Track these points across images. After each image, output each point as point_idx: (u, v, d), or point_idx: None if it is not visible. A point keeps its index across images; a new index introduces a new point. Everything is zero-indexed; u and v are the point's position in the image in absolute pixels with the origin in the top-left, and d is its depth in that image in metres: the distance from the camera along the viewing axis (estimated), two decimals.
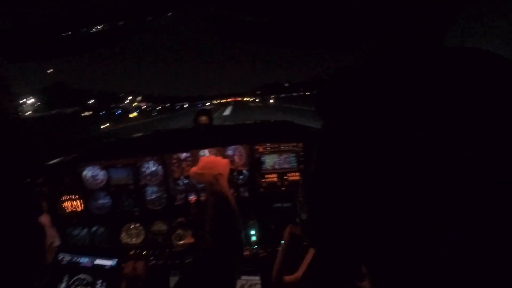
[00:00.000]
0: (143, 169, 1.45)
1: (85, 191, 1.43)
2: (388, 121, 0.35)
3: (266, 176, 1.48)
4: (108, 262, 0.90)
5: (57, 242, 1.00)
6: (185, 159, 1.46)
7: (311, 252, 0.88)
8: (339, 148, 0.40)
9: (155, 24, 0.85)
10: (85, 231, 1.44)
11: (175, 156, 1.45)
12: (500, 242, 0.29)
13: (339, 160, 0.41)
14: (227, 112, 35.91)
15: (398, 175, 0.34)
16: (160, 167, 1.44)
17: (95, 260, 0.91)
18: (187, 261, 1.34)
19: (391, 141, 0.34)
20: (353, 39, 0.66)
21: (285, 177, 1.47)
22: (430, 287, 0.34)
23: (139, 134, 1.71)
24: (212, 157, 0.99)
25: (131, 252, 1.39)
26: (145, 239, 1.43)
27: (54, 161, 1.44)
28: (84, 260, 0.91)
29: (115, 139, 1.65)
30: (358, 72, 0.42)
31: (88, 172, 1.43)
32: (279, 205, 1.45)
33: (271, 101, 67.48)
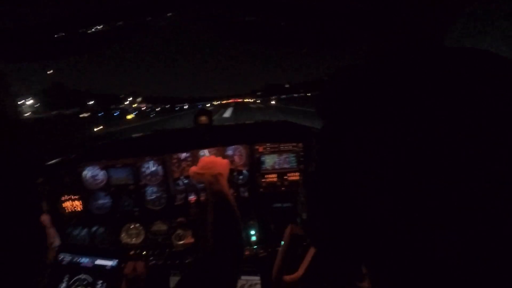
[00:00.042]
0: (143, 169, 1.45)
1: (85, 191, 1.43)
2: (388, 121, 0.35)
3: (266, 176, 1.48)
4: (108, 263, 0.90)
5: (57, 242, 1.00)
6: (185, 159, 1.46)
7: (311, 252, 0.88)
8: (339, 148, 0.41)
9: (155, 24, 0.85)
10: (85, 231, 1.43)
11: (175, 156, 1.45)
12: (500, 242, 0.29)
13: (339, 160, 0.41)
14: (227, 114, 35.51)
15: (398, 175, 0.34)
16: (160, 167, 1.44)
17: (95, 260, 0.91)
18: (187, 261, 1.34)
19: (391, 141, 0.34)
20: (353, 39, 0.66)
21: (285, 177, 1.47)
22: (430, 287, 0.34)
23: (139, 134, 1.71)
24: (212, 157, 0.99)
25: (131, 252, 1.39)
26: (145, 239, 1.43)
27: (54, 161, 1.44)
28: (84, 260, 0.91)
29: (115, 139, 1.65)
30: (358, 72, 0.42)
31: (88, 172, 1.44)
32: (279, 205, 1.45)
33: (272, 102, 67.32)
